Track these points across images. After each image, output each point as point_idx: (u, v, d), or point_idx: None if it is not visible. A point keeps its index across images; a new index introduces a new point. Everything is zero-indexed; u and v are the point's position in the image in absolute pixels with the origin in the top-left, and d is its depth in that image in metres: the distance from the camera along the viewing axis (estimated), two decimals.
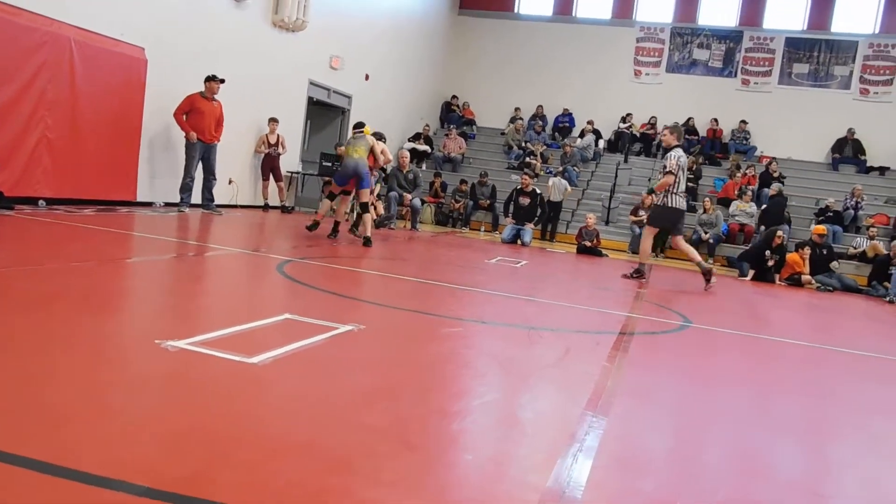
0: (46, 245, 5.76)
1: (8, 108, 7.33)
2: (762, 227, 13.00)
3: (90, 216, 7.69)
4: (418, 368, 3.33)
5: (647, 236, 8.83)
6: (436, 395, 2.97)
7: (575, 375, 3.54)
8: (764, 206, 14.11)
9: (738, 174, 15.73)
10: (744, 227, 14.05)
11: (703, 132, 18.56)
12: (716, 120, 18.44)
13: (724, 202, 14.83)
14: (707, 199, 14.23)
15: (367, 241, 8.38)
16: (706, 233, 13.62)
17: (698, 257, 8.73)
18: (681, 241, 8.74)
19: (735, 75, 18.85)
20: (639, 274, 8.61)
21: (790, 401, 3.70)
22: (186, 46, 9.94)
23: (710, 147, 18.16)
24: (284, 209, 12.41)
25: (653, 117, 18.82)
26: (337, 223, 8.90)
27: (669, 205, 8.30)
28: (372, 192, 12.02)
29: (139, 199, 9.42)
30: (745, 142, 18.26)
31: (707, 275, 8.42)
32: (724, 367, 4.38)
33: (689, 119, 18.56)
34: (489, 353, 3.85)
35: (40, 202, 7.80)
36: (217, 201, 10.35)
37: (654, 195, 8.67)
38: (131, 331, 3.47)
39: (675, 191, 8.24)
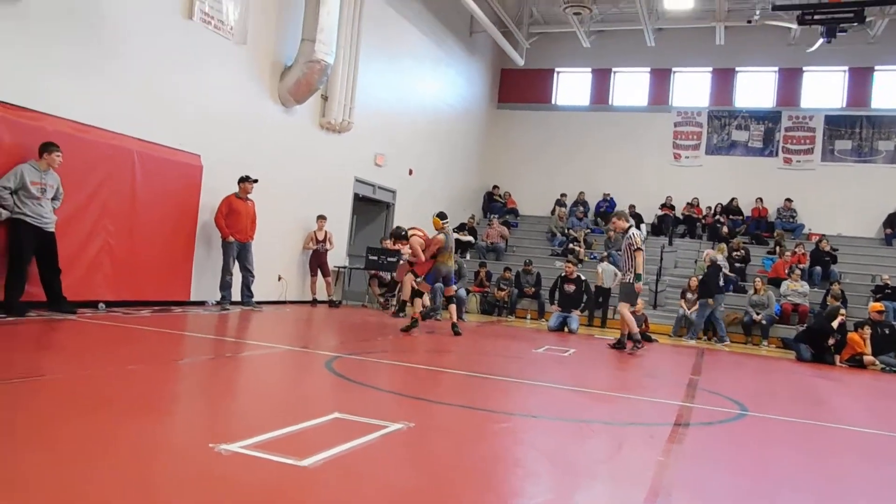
0: (105, 349, 5.96)
1: (74, 217, 7.77)
2: (708, 298, 12.83)
3: (146, 317, 7.95)
4: (469, 468, 3.29)
5: (626, 310, 9.37)
6: (488, 496, 2.93)
7: (630, 471, 3.45)
8: (701, 278, 13.62)
9: (788, 253, 15.47)
10: (797, 307, 13.69)
11: (747, 212, 18.43)
12: (760, 199, 18.33)
13: (775, 282, 14.53)
14: (758, 279, 13.98)
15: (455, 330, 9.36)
16: (758, 314, 13.31)
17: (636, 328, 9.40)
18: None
19: (776, 154, 18.85)
20: (620, 345, 9.32)
21: (859, 501, 3.52)
22: (239, 151, 10.46)
23: (755, 226, 17.99)
24: (332, 304, 12.61)
25: (695, 198, 18.82)
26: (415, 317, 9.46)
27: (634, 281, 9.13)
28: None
29: (193, 298, 9.72)
30: (791, 220, 18.04)
31: (636, 342, 9.19)
32: (785, 460, 4.21)
33: (733, 199, 18.52)
34: (540, 449, 3.79)
35: (100, 305, 8.11)
36: (266, 298, 10.59)
37: (626, 275, 9.24)
38: (186, 435, 3.54)
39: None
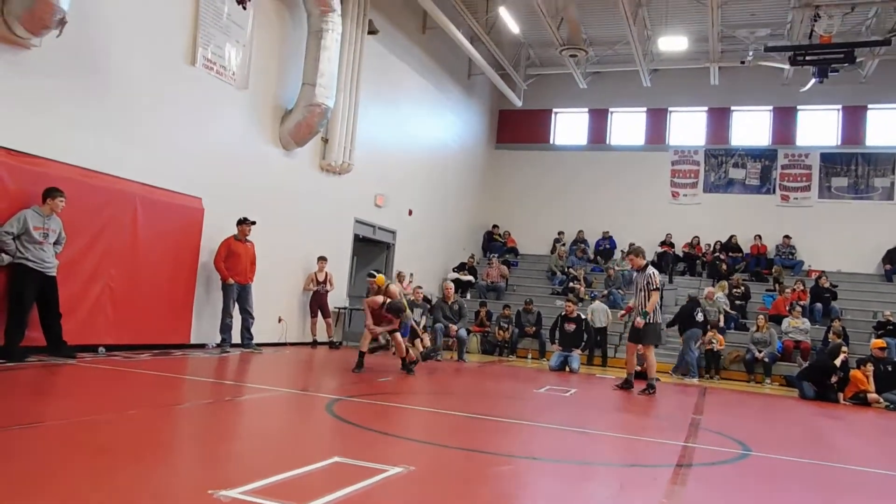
0: (104, 393, 5.94)
1: (76, 261, 7.81)
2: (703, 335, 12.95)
3: (146, 361, 7.94)
4: None
5: (651, 353, 9.29)
6: None
7: None
8: (677, 312, 13.72)
9: (788, 290, 15.48)
10: (799, 344, 13.65)
11: (746, 249, 18.49)
12: (759, 236, 18.41)
13: (776, 319, 14.51)
14: (760, 316, 13.96)
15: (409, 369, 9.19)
16: (760, 351, 13.26)
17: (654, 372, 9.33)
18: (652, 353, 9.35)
19: (773, 192, 19.00)
20: (653, 390, 8.99)
21: None
22: (241, 193, 10.55)
23: (755, 264, 18.03)
24: (332, 345, 12.57)
25: (695, 237, 18.89)
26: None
27: (658, 321, 9.24)
28: (418, 324, 12.19)
29: (193, 340, 9.70)
30: (790, 256, 18.10)
31: (651, 387, 9.02)
32: (790, 501, 4.17)
33: (732, 237, 18.60)
34: (542, 492, 3.76)
35: (100, 349, 8.10)
36: (267, 339, 10.57)
37: (642, 316, 9.06)
38: (185, 481, 3.52)
39: (659, 306, 9.18)
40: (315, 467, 3.67)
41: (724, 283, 16.28)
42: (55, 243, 7.29)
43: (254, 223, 10.12)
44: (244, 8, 10.60)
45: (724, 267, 17.58)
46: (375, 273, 9.76)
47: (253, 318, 10.23)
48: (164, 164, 9.22)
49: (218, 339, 9.97)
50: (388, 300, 9.03)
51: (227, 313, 9.92)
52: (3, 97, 7.20)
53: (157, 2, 9.08)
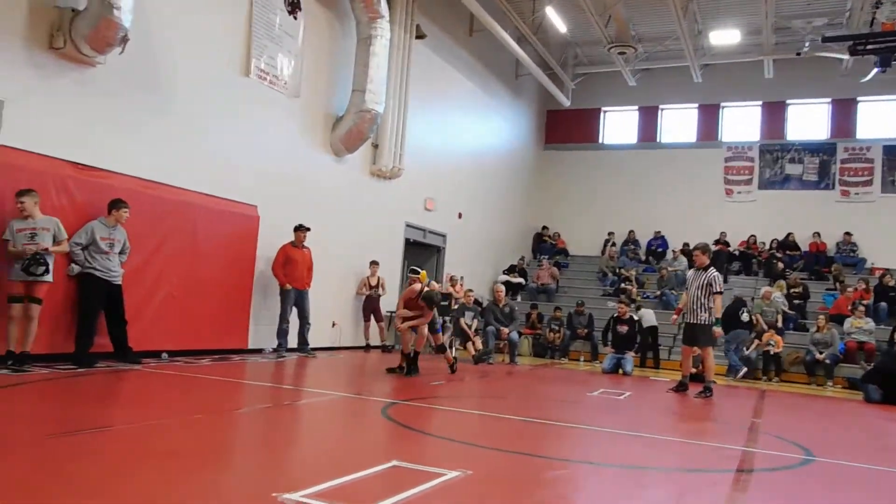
0: (169, 398, 6.14)
1: (139, 270, 8.10)
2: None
3: (207, 366, 8.18)
4: None
5: (710, 354, 9.05)
6: None
7: None
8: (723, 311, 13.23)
9: (850, 289, 15.00)
10: (863, 345, 13.19)
11: (804, 247, 17.98)
12: (818, 234, 17.89)
13: (837, 319, 14.07)
14: (821, 317, 13.56)
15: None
16: (821, 353, 12.88)
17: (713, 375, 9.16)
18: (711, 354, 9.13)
19: (833, 187, 18.43)
20: (710, 392, 8.77)
21: None
22: (294, 200, 10.78)
23: (814, 262, 17.50)
24: (385, 349, 12.71)
25: (751, 236, 18.46)
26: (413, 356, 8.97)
27: (712, 322, 8.79)
28: (469, 328, 12.24)
29: (250, 346, 9.94)
30: (852, 254, 17.52)
31: (708, 389, 8.80)
32: None
33: (789, 234, 18.12)
34: (599, 497, 3.76)
35: (163, 355, 8.38)
36: (321, 344, 10.77)
37: (700, 316, 8.79)
38: (250, 484, 3.62)
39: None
40: (374, 471, 3.73)
41: (782, 282, 15.86)
42: (120, 253, 7.59)
43: (308, 229, 10.32)
44: (295, 18, 10.83)
45: (782, 266, 17.12)
46: (418, 270, 9.81)
47: (309, 324, 10.44)
48: (221, 173, 9.49)
49: (274, 344, 10.19)
50: (426, 289, 8.93)
51: (284, 319, 10.14)
52: (71, 114, 7.54)
53: (212, 16, 9.36)
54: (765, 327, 13.52)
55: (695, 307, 8.84)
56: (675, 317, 9.76)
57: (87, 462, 3.64)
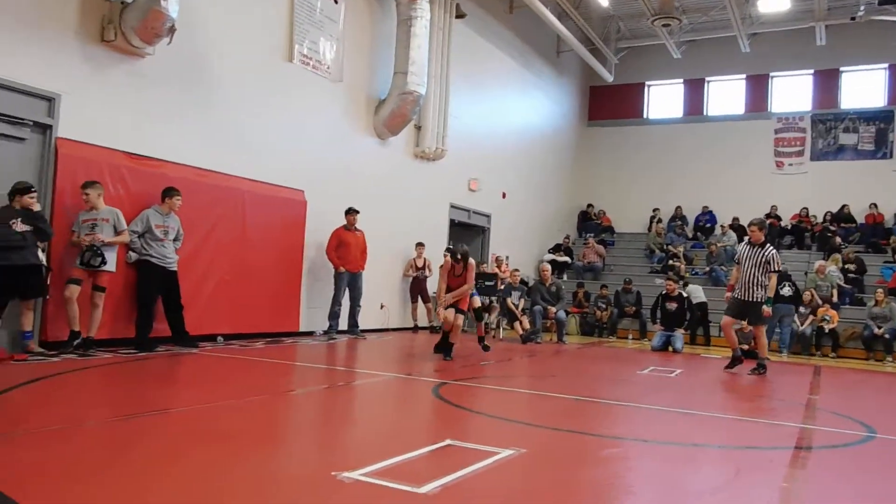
0: (226, 381, 6.31)
1: (193, 256, 8.32)
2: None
3: (261, 349, 8.37)
4: (582, 496, 3.31)
5: (763, 333, 8.81)
6: None
7: (751, 499, 3.36)
8: None
9: None
10: None
11: (860, 219, 17.42)
12: (874, 205, 17.29)
13: None
14: (879, 290, 13.16)
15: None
16: (879, 327, 12.53)
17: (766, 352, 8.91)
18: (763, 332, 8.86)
19: (891, 156, 17.79)
20: (763, 369, 8.56)
21: None
22: (339, 184, 10.89)
23: (871, 234, 16.95)
24: (433, 330, 12.79)
25: (803, 208, 17.97)
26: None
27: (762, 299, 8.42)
28: (517, 307, 12.23)
29: (301, 328, 10.13)
30: None
31: (761, 367, 8.58)
32: None
33: (844, 206, 17.59)
34: (654, 475, 3.75)
35: (219, 338, 8.60)
36: (369, 326, 10.91)
37: (766, 302, 8.40)
38: (309, 463, 3.72)
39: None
40: (429, 449, 3.79)
41: (837, 255, 15.42)
42: (174, 240, 7.79)
43: (357, 212, 10.43)
44: (336, 2, 10.87)
45: (839, 240, 16.62)
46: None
47: (360, 307, 10.58)
48: (268, 159, 9.63)
49: (325, 327, 10.36)
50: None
51: (336, 301, 10.30)
52: (123, 105, 7.73)
53: (255, 3, 9.46)
54: (819, 302, 13.20)
55: (750, 284, 8.44)
56: (728, 294, 9.18)
57: (150, 443, 3.78)
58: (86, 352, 6.83)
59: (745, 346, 9.66)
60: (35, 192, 6.53)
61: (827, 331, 12.87)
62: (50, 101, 7.04)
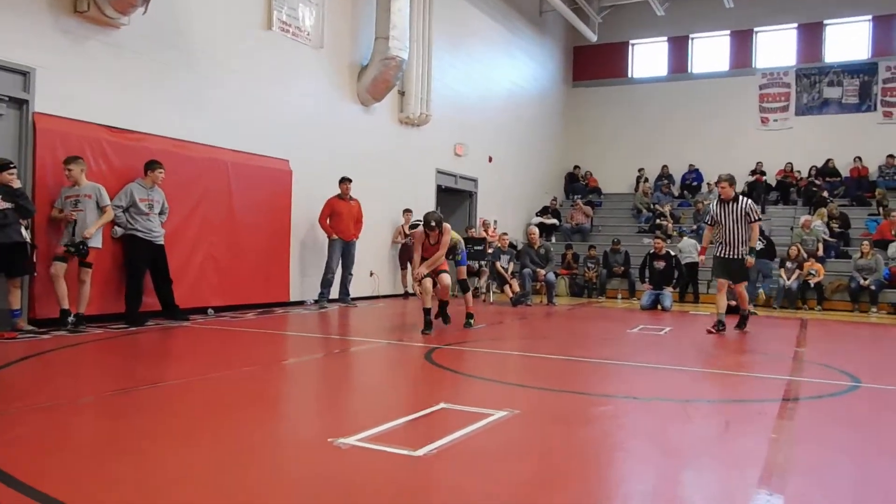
0: (219, 353, 6.32)
1: (179, 229, 8.26)
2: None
3: (253, 320, 8.37)
4: (576, 454, 3.36)
5: (744, 289, 8.69)
6: (597, 481, 3.00)
7: (741, 451, 3.43)
8: None
9: (894, 213, 14.63)
10: None
11: (845, 173, 17.51)
12: (859, 158, 17.39)
13: (881, 245, 13.78)
14: (865, 243, 13.29)
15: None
16: (865, 279, 12.69)
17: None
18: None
19: (875, 109, 17.83)
20: (746, 321, 8.67)
21: None
22: (324, 152, 10.81)
23: (856, 187, 17.07)
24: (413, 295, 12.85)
25: (788, 163, 18.04)
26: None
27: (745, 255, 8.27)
28: (506, 271, 12.27)
29: (292, 298, 10.13)
30: (895, 177, 17.02)
31: (744, 319, 8.65)
32: None
33: (829, 160, 17.68)
34: (645, 431, 3.81)
35: (209, 311, 8.60)
36: (360, 294, 10.93)
37: (749, 253, 8.22)
38: (306, 430, 3.75)
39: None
40: (423, 413, 3.83)
41: (823, 210, 15.53)
42: (160, 213, 7.73)
43: (350, 181, 10.38)
44: None
45: (826, 193, 16.70)
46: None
47: (352, 275, 10.59)
48: (251, 129, 9.52)
49: (315, 296, 10.36)
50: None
51: (329, 269, 10.29)
52: (100, 77, 7.59)
53: None
54: (805, 256, 13.33)
55: (734, 241, 8.22)
56: (702, 256, 9.11)
57: (145, 416, 3.80)
58: (76, 328, 6.81)
59: (733, 303, 9.75)
60: (14, 167, 6.44)
61: (812, 285, 13.02)
62: (25, 74, 6.90)
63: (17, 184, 6.43)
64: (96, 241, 7.04)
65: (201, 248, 8.59)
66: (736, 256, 8.26)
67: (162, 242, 7.72)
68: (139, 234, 7.50)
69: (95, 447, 3.22)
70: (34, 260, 6.71)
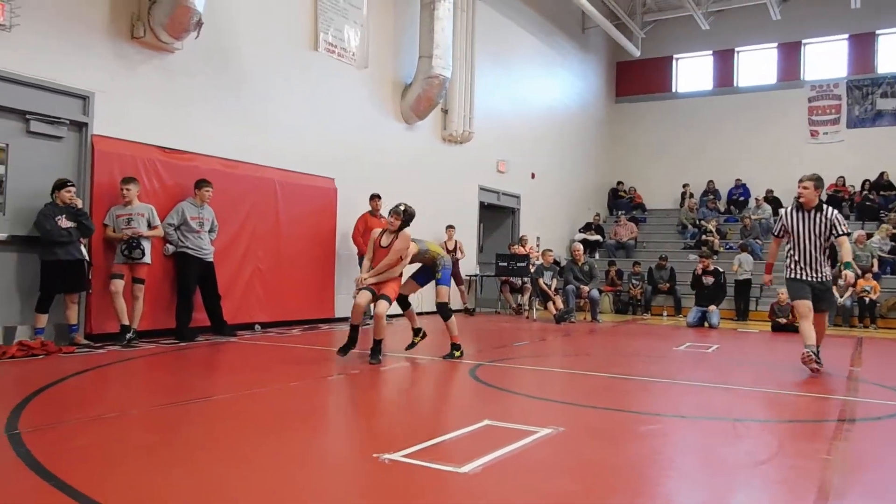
0: (266, 368, 6.41)
1: (229, 247, 8.45)
2: None
3: (298, 336, 8.49)
4: (623, 472, 3.32)
5: (826, 320, 6.95)
6: (645, 499, 2.95)
7: (794, 472, 3.34)
8: None
9: None
10: None
11: None
12: None
13: None
14: None
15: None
16: None
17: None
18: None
19: None
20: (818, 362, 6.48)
21: None
22: (368, 170, 10.95)
23: None
24: (467, 312, 12.85)
25: (840, 177, 17.57)
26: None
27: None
28: (549, 287, 12.20)
29: (336, 315, 10.23)
30: None
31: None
32: None
33: (883, 174, 17.16)
34: (694, 450, 3.74)
35: (256, 327, 8.75)
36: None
37: (846, 266, 6.45)
38: (350, 446, 3.78)
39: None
40: (468, 430, 3.83)
41: (887, 226, 15.02)
42: (210, 231, 7.93)
43: (381, 197, 10.46)
44: None
45: (879, 209, 16.18)
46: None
47: None
48: (298, 148, 9.71)
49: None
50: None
51: None
52: (155, 100, 7.85)
53: None
54: (859, 272, 12.94)
55: (813, 260, 6.52)
56: (768, 277, 7.40)
57: (195, 429, 3.88)
58: (129, 343, 7.01)
59: (784, 320, 9.53)
60: (73, 186, 6.71)
61: (868, 301, 12.63)
62: (84, 99, 7.19)
63: (79, 203, 6.72)
64: (147, 258, 7.26)
65: (249, 265, 8.77)
66: (821, 279, 6.54)
67: (211, 259, 7.92)
68: (190, 251, 7.70)
69: (148, 459, 3.30)
70: (90, 276, 6.95)
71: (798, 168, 17.78)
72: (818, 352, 6.44)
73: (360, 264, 10.25)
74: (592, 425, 4.29)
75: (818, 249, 6.52)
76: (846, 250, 6.47)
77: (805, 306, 6.50)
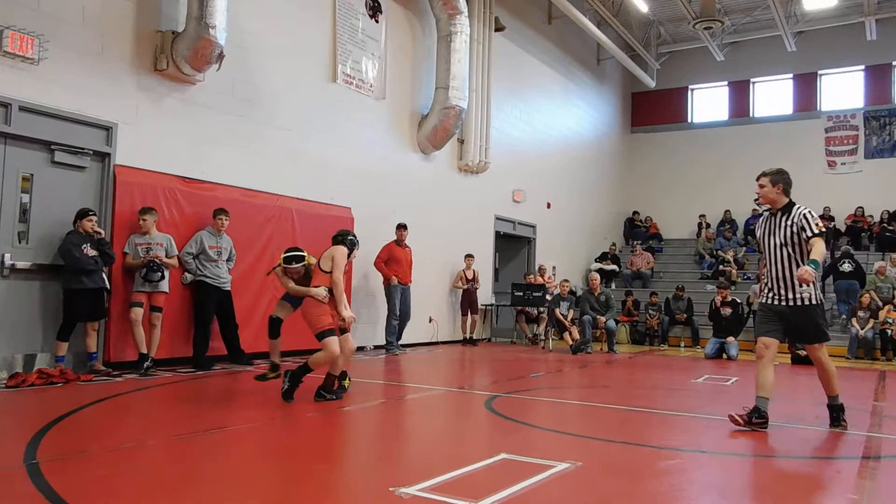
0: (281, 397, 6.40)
1: (246, 275, 8.50)
2: None
3: None
4: None
5: (825, 358, 5.37)
6: None
7: None
8: None
9: None
10: None
11: None
12: None
13: None
14: None
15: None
16: None
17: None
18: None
19: None
20: (841, 419, 5.33)
21: None
22: (385, 200, 11.03)
23: None
24: (470, 341, 12.76)
25: (858, 208, 17.44)
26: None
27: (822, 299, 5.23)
28: (565, 318, 12.14)
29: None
30: None
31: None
32: None
33: None
34: (716, 487, 3.68)
35: None
36: (418, 339, 10.99)
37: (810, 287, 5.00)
38: (366, 479, 3.75)
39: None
40: (484, 464, 3.79)
41: None
42: (227, 260, 7.99)
43: (407, 228, 10.57)
44: (376, 21, 11.03)
45: None
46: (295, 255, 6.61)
47: (409, 319, 10.69)
48: (316, 178, 9.81)
49: (371, 342, 10.44)
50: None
51: (393, 314, 10.39)
52: (176, 130, 7.98)
53: (298, 26, 9.67)
54: (879, 304, 12.78)
55: (782, 277, 5.14)
56: (755, 299, 6.07)
57: (213, 460, 3.87)
58: (146, 371, 7.04)
59: (802, 352, 9.38)
60: (94, 215, 6.81)
61: (890, 334, 12.44)
62: (108, 129, 7.32)
63: (102, 233, 6.83)
64: (165, 286, 7.32)
65: (266, 294, 8.79)
66: (788, 301, 5.13)
67: (229, 288, 7.96)
68: (208, 279, 7.75)
69: (163, 489, 3.29)
70: (107, 305, 7.02)
71: (816, 199, 17.80)
72: (763, 408, 5.14)
73: (388, 290, 10.37)
74: (611, 460, 4.24)
75: (788, 262, 5.12)
76: (817, 251, 4.94)
77: (762, 343, 5.24)
